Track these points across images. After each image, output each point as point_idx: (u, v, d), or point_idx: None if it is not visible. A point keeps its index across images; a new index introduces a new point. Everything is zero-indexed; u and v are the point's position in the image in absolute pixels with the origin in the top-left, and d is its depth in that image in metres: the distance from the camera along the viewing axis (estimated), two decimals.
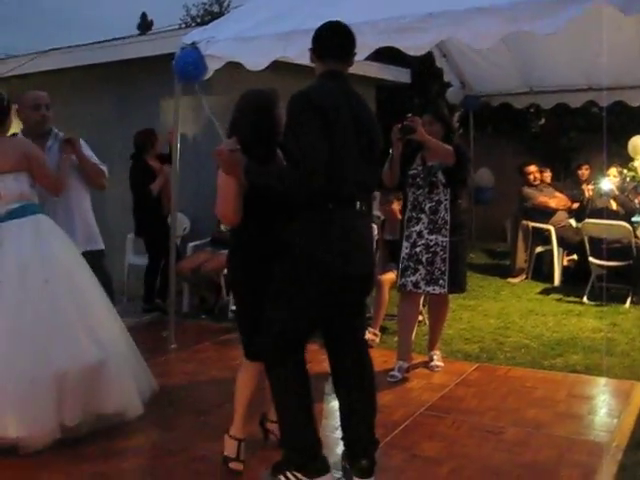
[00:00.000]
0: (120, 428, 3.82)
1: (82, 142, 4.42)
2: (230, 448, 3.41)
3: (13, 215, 3.74)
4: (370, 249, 3.41)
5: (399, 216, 5.74)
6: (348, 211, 3.06)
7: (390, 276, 5.62)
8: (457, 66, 8.56)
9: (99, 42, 7.86)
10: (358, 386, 3.24)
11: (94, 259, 4.18)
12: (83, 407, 3.60)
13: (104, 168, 4.47)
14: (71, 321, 3.65)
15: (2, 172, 3.73)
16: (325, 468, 3.13)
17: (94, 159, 4.45)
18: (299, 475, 3.12)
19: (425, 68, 9.69)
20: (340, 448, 3.37)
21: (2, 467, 3.42)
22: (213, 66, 5.11)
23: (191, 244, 6.86)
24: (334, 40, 3.16)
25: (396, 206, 5.76)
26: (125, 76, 7.53)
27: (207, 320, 6.35)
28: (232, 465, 3.36)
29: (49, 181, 3.95)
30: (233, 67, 5.07)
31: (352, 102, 3.10)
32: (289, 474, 3.13)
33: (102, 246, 4.57)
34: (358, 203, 3.11)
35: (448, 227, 4.56)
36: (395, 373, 4.70)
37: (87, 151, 4.44)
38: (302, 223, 3.02)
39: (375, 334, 5.47)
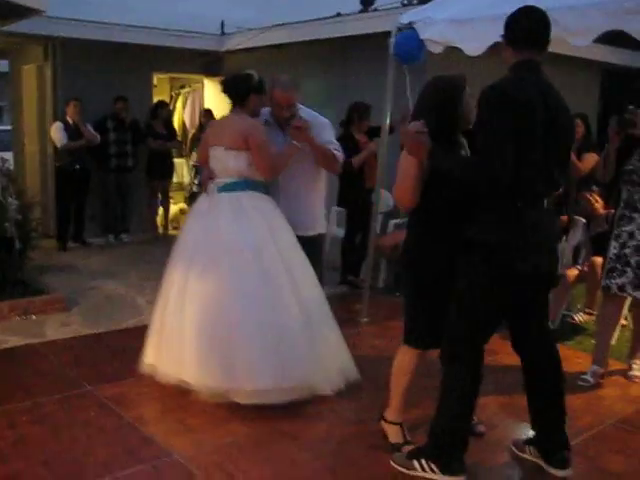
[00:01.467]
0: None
1: (326, 124, 4.29)
2: (395, 435, 3.45)
3: (226, 188, 4.03)
4: (556, 247, 3.34)
5: (599, 208, 5.45)
6: (536, 209, 3.01)
7: (574, 272, 5.46)
8: None
9: (320, 19, 8.12)
10: (553, 380, 3.26)
11: (309, 244, 4.16)
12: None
13: (339, 154, 4.26)
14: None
15: (226, 148, 4.00)
16: (461, 470, 3.14)
17: (332, 144, 4.26)
18: (434, 467, 3.15)
19: None
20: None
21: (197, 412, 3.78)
22: (432, 49, 5.09)
23: (393, 221, 6.94)
24: (531, 27, 3.01)
25: (594, 200, 5.46)
26: (345, 51, 7.74)
27: (400, 298, 6.40)
28: (405, 449, 3.36)
29: (264, 165, 3.97)
30: (448, 49, 5.02)
31: (548, 96, 2.96)
32: (424, 462, 3.16)
33: (320, 231, 4.46)
34: (545, 201, 3.04)
35: None
36: (588, 377, 4.46)
37: (326, 135, 4.25)
38: (489, 221, 2.98)
39: (591, 314, 5.41)
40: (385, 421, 3.50)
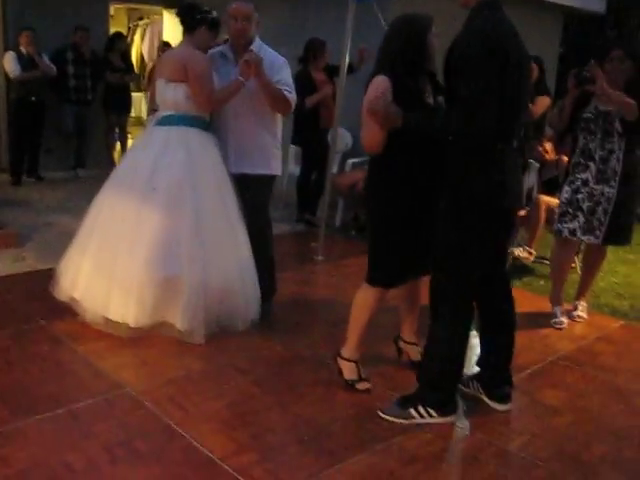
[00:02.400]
0: (255, 326, 4.13)
1: (282, 63, 4.09)
2: (350, 371, 3.52)
3: (161, 122, 4.03)
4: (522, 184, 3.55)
5: (549, 156, 5.57)
6: (512, 150, 3.09)
7: (547, 198, 5.51)
8: None
9: None
10: (508, 321, 3.40)
11: (252, 180, 4.13)
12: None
13: (290, 95, 4.03)
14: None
15: (166, 81, 3.97)
16: (455, 408, 3.28)
17: (285, 85, 4.02)
18: (432, 412, 3.24)
19: None
20: None
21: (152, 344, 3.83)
22: None
23: (350, 160, 6.96)
24: None
25: (547, 146, 5.59)
26: None
27: (357, 237, 6.49)
28: (360, 386, 3.49)
29: (200, 98, 3.91)
30: None
31: (517, 38, 2.98)
32: (421, 409, 3.23)
33: (270, 172, 4.25)
34: (516, 141, 3.10)
35: (617, 178, 4.30)
36: (560, 319, 4.61)
37: (280, 75, 4.03)
38: (473, 165, 3.00)
39: (530, 252, 5.41)
40: (341, 358, 3.56)
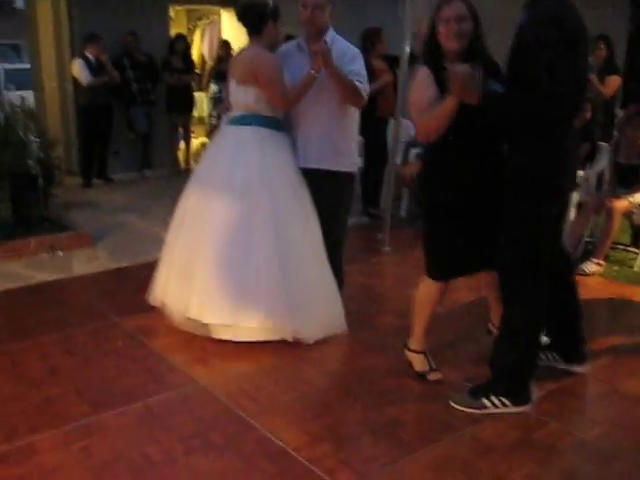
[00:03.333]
0: None
1: (355, 54, 3.95)
2: (420, 363, 3.51)
3: (234, 121, 4.04)
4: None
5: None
6: (571, 130, 3.09)
7: (624, 204, 5.27)
8: None
9: None
10: (571, 282, 3.45)
11: (327, 179, 4.00)
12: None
13: (362, 86, 3.86)
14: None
15: (237, 82, 3.97)
16: (530, 397, 3.22)
17: (357, 75, 3.86)
18: (506, 401, 3.19)
19: None
20: None
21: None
22: None
23: (414, 150, 6.88)
24: None
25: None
26: None
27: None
28: (431, 377, 3.47)
29: (277, 100, 3.88)
30: None
31: (579, 15, 2.93)
32: (494, 398, 3.19)
33: (346, 169, 4.06)
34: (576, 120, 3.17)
35: None
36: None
37: (353, 65, 3.89)
38: (537, 148, 2.98)
39: (599, 264, 5.20)
40: (409, 350, 3.55)
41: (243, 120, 3.99)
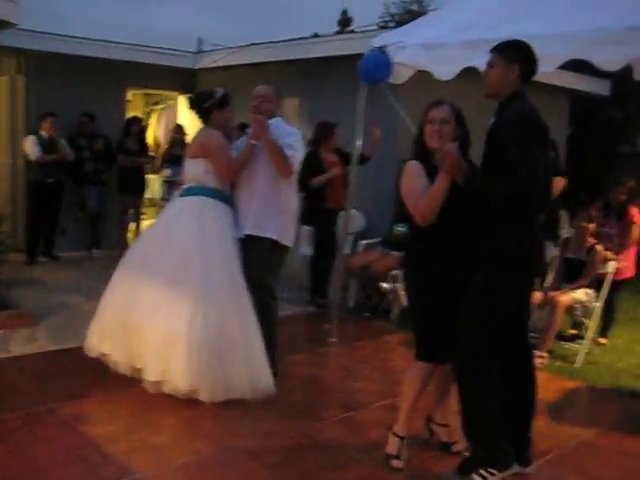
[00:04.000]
0: (266, 408, 4.06)
1: (292, 132, 4.45)
2: (392, 446, 3.54)
3: (183, 193, 4.44)
4: None
5: (589, 239, 5.58)
6: (538, 221, 3.38)
7: (567, 298, 5.42)
8: None
9: (296, 39, 8.18)
10: (529, 384, 3.49)
11: (256, 244, 4.36)
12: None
13: (291, 154, 4.29)
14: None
15: (189, 158, 4.44)
16: (512, 458, 3.34)
17: (289, 147, 4.28)
18: (493, 471, 3.27)
19: (626, 79, 9.09)
20: None
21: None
22: (404, 73, 5.18)
23: (363, 241, 6.99)
24: (536, 64, 3.33)
25: (587, 225, 5.60)
26: (321, 72, 7.82)
27: (370, 319, 6.43)
28: (394, 463, 3.50)
29: (219, 170, 4.30)
30: (422, 73, 5.10)
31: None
32: (483, 472, 3.26)
33: (271, 236, 4.38)
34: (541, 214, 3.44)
35: None
36: None
37: (288, 138, 4.33)
38: (511, 232, 3.22)
39: (542, 357, 5.26)
40: (392, 433, 3.57)
41: (190, 191, 4.39)
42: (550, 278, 5.94)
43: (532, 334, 5.51)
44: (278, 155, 4.27)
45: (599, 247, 5.56)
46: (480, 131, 3.38)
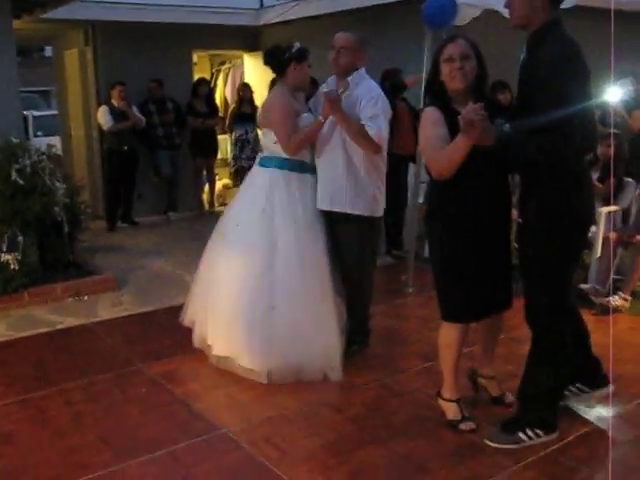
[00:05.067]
0: (348, 361, 4.07)
1: (373, 97, 3.92)
2: (452, 411, 3.41)
3: (259, 162, 4.24)
4: None
5: None
6: (586, 167, 3.22)
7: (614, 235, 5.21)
8: None
9: None
10: (579, 313, 3.39)
11: (342, 219, 4.04)
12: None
13: (372, 132, 3.82)
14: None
15: (260, 126, 4.38)
16: (557, 422, 3.25)
17: (370, 120, 3.83)
18: (539, 432, 3.20)
19: None
20: None
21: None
22: (470, 13, 4.99)
23: None
24: None
25: None
26: (382, 20, 7.63)
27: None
28: (464, 427, 3.35)
29: (284, 142, 3.98)
30: (490, 14, 4.90)
31: None
32: (529, 431, 3.19)
33: (360, 212, 4.03)
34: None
35: None
36: None
37: (368, 110, 3.87)
38: (562, 187, 3.00)
39: (626, 299, 5.11)
40: (442, 399, 3.46)
41: (262, 162, 4.19)
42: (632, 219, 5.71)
43: (616, 276, 5.44)
44: (360, 137, 3.84)
45: None
46: None
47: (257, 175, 4.19)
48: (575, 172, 3.04)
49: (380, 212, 4.17)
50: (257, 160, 4.29)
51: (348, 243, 4.08)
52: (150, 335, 4.77)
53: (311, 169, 4.11)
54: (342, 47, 3.98)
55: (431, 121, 3.12)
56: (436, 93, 3.18)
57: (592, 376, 3.47)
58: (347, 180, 3.99)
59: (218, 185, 9.77)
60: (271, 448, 3.23)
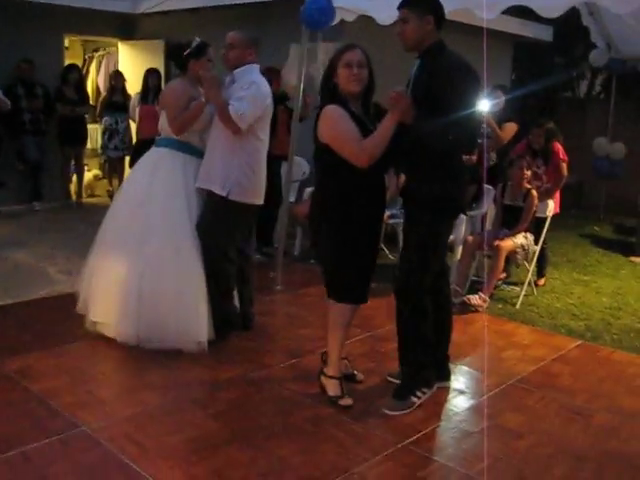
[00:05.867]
0: (213, 357, 4.12)
1: (247, 82, 4.15)
2: (333, 388, 3.66)
3: (155, 144, 4.53)
4: None
5: (526, 184, 5.65)
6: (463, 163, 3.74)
7: (509, 243, 5.53)
8: (604, 26, 8.00)
9: None
10: (448, 312, 3.88)
11: (208, 198, 4.30)
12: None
13: (234, 110, 4.03)
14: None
15: (159, 108, 4.55)
16: (433, 375, 3.75)
17: (235, 99, 4.07)
18: (425, 389, 3.67)
19: (569, 26, 9.18)
20: None
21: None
22: (345, 17, 5.13)
23: (308, 189, 6.97)
24: (444, 9, 3.42)
25: (524, 172, 5.65)
26: (260, 17, 7.66)
27: (315, 265, 6.44)
28: (343, 402, 3.62)
29: (170, 122, 4.30)
30: (364, 17, 5.05)
31: None
32: (419, 393, 3.63)
33: (216, 190, 4.21)
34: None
35: None
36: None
37: (239, 92, 4.12)
38: (442, 177, 3.44)
39: (484, 300, 5.40)
40: (325, 376, 3.70)
41: (157, 142, 4.49)
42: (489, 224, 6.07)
43: (475, 278, 5.76)
44: (222, 114, 4.09)
45: (534, 192, 5.66)
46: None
47: (149, 154, 4.47)
48: (456, 167, 3.51)
49: (247, 199, 4.30)
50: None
51: (202, 215, 4.29)
52: (7, 329, 4.53)
53: (198, 152, 4.35)
54: (230, 44, 4.26)
55: (340, 116, 3.36)
56: (332, 94, 3.43)
57: (441, 368, 3.87)
58: (212, 159, 4.26)
59: (88, 175, 9.44)
60: (132, 445, 3.17)
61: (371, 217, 3.55)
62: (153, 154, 4.45)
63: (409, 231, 3.62)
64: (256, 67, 4.30)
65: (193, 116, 4.26)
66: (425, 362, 3.66)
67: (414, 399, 3.61)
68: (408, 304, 3.58)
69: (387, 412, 3.56)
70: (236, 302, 4.57)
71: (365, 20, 5.10)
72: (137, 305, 4.12)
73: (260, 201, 4.43)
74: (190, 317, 4.16)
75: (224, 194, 4.21)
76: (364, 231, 3.51)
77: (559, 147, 6.16)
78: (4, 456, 3.03)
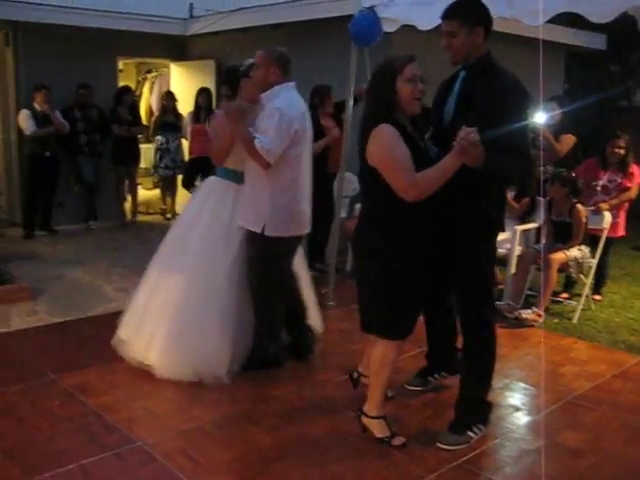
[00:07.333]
0: (272, 374, 4.15)
1: (270, 111, 3.87)
2: (380, 429, 3.41)
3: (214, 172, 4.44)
4: None
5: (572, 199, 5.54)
6: None
7: (560, 256, 5.42)
8: None
9: (285, 2, 8.05)
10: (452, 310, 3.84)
11: (248, 236, 4.11)
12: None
13: (260, 146, 3.79)
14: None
15: None
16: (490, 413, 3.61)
17: (259, 131, 3.84)
18: (481, 426, 3.50)
19: (624, 33, 8.99)
20: None
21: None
22: (388, 28, 5.14)
23: (358, 205, 6.95)
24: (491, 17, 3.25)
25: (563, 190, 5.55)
26: (310, 35, 7.72)
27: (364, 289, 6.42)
28: (395, 442, 3.37)
29: (210, 152, 4.32)
30: (412, 31, 5.03)
31: None
32: (475, 428, 3.46)
33: (252, 227, 4.04)
34: None
35: None
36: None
37: (264, 123, 3.87)
38: (491, 203, 3.34)
39: (539, 315, 5.30)
40: (367, 416, 3.43)
41: (215, 171, 4.40)
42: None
43: (530, 292, 5.65)
44: (248, 149, 3.86)
45: (579, 206, 5.52)
46: None
47: (206, 183, 4.48)
48: (502, 188, 3.50)
49: (284, 233, 4.06)
50: None
51: (250, 257, 4.15)
52: (65, 346, 4.65)
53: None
54: (256, 64, 4.05)
55: (397, 142, 3.04)
56: (390, 110, 3.10)
57: (450, 363, 3.95)
58: (245, 194, 4.13)
59: (145, 194, 9.63)
60: (186, 460, 3.19)
61: (422, 244, 3.19)
62: (208, 183, 4.42)
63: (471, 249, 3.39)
64: (284, 88, 3.99)
65: (223, 145, 4.10)
66: (484, 397, 3.52)
67: (471, 434, 3.42)
68: (484, 323, 3.42)
69: (440, 445, 3.37)
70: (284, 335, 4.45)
71: (404, 29, 5.09)
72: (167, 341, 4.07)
73: (303, 231, 4.21)
74: (208, 352, 4.03)
75: (259, 231, 4.00)
76: (413, 262, 3.18)
77: (636, 169, 5.94)
78: (64, 469, 3.09)
